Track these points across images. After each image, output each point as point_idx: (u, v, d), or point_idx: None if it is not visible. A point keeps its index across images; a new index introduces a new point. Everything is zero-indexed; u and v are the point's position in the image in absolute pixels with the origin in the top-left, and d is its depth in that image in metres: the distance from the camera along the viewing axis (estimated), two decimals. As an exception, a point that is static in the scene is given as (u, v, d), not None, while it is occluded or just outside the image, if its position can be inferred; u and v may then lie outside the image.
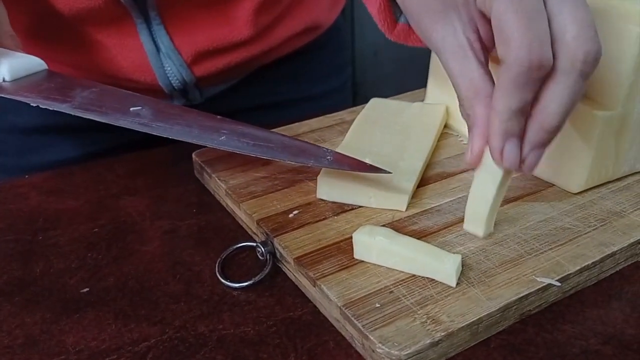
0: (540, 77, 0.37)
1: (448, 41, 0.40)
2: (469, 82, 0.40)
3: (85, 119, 0.67)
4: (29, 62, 0.55)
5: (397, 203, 0.47)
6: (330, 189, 0.49)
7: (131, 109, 0.50)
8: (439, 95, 0.59)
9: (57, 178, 0.58)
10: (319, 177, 0.49)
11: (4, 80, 0.53)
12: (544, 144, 0.39)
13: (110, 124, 0.68)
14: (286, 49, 0.73)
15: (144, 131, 0.48)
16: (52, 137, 0.70)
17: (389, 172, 0.47)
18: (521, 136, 0.39)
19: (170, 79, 0.65)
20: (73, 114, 0.50)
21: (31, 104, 0.50)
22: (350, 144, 0.53)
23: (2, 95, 0.52)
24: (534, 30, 0.35)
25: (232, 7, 0.63)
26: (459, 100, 0.41)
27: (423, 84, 0.62)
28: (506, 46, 0.36)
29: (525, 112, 0.38)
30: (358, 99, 1.04)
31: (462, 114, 0.42)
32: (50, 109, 0.50)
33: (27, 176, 0.58)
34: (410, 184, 0.48)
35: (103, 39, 0.62)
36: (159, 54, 0.63)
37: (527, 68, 0.36)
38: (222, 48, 0.65)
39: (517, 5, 0.35)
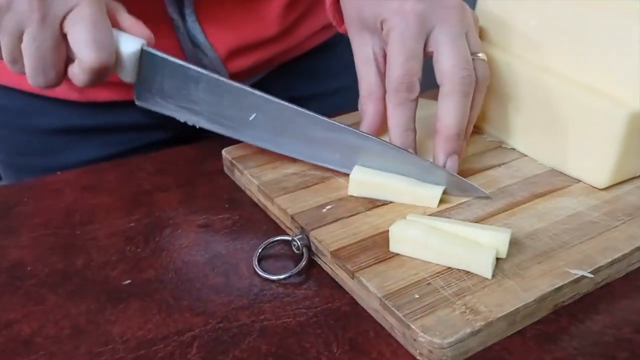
0: (410, 99, 0.49)
1: (360, 50, 0.53)
2: (366, 85, 0.53)
3: (109, 119, 0.69)
4: (132, 46, 0.50)
5: (429, 200, 0.48)
6: (361, 186, 0.50)
7: (250, 118, 0.52)
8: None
9: (89, 174, 0.59)
10: (351, 175, 0.50)
11: (135, 82, 0.52)
12: (453, 151, 0.49)
13: (138, 123, 0.70)
14: (308, 45, 0.74)
15: (273, 150, 0.53)
16: (75, 138, 0.71)
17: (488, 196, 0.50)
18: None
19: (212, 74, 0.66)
20: (209, 129, 0.54)
21: (179, 120, 0.54)
22: None
23: (151, 108, 0.54)
24: (407, 66, 0.48)
25: (263, 5, 0.65)
26: (359, 98, 0.53)
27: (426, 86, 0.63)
28: (388, 75, 0.49)
29: (412, 128, 0.50)
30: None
31: (358, 108, 0.53)
32: (196, 126, 0.54)
33: (58, 172, 0.59)
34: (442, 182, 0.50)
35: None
36: (195, 52, 0.64)
37: (396, 91, 0.48)
38: (253, 44, 0.66)
39: (402, 49, 0.48)
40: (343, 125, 0.51)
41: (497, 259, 0.42)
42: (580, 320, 0.41)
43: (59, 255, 0.48)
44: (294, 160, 0.55)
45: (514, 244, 0.44)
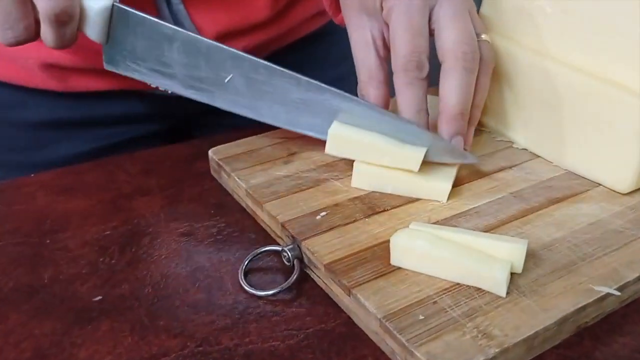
0: (420, 77, 0.46)
1: (357, 34, 0.50)
2: (366, 69, 0.49)
3: (96, 111, 0.65)
4: (105, 7, 0.48)
5: (439, 193, 0.45)
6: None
7: (226, 79, 0.49)
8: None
9: (66, 176, 0.54)
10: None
11: (105, 43, 0.49)
12: (457, 131, 0.46)
13: (125, 115, 0.66)
14: (301, 31, 0.71)
15: (250, 117, 0.50)
16: (61, 131, 0.67)
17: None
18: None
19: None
20: (182, 94, 0.50)
21: (151, 84, 0.50)
22: None
23: (120, 72, 0.50)
24: (415, 42, 0.46)
25: None
26: (358, 83, 0.50)
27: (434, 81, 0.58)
28: (394, 54, 0.46)
29: (424, 109, 0.47)
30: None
31: (358, 94, 0.50)
32: (161, 88, 0.50)
33: (32, 175, 0.55)
34: (452, 171, 0.46)
35: None
36: None
37: (404, 70, 0.46)
38: (242, 29, 0.63)
39: (407, 25, 0.46)
40: (324, 85, 0.48)
41: (512, 274, 0.37)
42: (605, 344, 0.36)
43: (25, 267, 0.43)
44: (286, 161, 0.50)
45: (530, 256, 0.39)
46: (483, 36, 0.48)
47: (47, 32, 0.46)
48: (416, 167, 0.45)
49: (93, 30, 0.48)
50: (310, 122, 0.49)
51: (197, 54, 0.49)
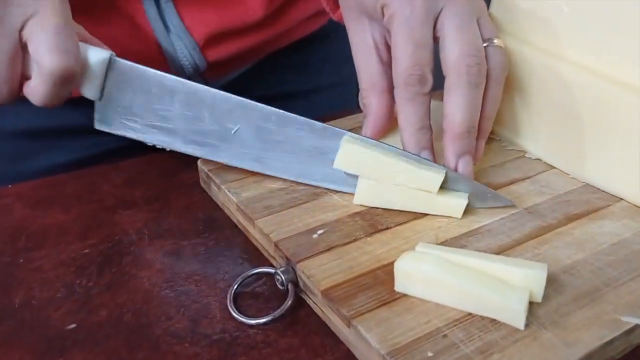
0: (422, 92, 0.43)
1: (358, 37, 0.47)
2: (368, 76, 0.47)
3: (79, 120, 0.62)
4: (100, 62, 0.45)
5: (454, 209, 0.41)
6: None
7: (232, 132, 0.45)
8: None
9: (46, 188, 0.51)
10: (360, 179, 0.43)
11: (98, 100, 0.46)
12: (463, 151, 0.43)
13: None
14: (296, 34, 0.69)
15: (258, 171, 0.46)
16: (44, 140, 0.65)
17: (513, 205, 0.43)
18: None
19: (181, 62, 0.60)
20: (183, 151, 0.47)
21: (147, 143, 0.47)
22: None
23: (113, 132, 0.47)
24: (417, 56, 0.43)
25: None
26: (360, 91, 0.47)
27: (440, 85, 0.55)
28: (395, 67, 0.43)
29: (426, 126, 0.43)
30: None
31: (360, 103, 0.48)
32: (167, 149, 0.47)
33: (10, 186, 0.51)
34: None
35: (108, 17, 0.57)
36: (169, 35, 0.58)
37: (405, 84, 0.43)
38: (235, 30, 0.60)
39: (409, 36, 0.43)
40: (341, 130, 0.44)
41: (530, 303, 0.33)
42: (635, 382, 0.32)
43: (-7, 290, 0.40)
44: (281, 173, 0.47)
45: (550, 281, 0.35)
46: (495, 41, 0.45)
47: (40, 90, 0.43)
48: (435, 189, 0.41)
49: (88, 84, 0.45)
50: (326, 172, 0.44)
51: (201, 106, 0.45)
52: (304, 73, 0.72)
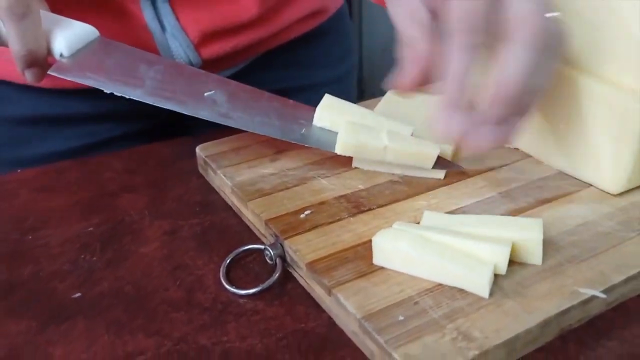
0: (478, 42, 0.38)
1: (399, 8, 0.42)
2: (412, 20, 0.41)
3: (81, 109, 0.64)
4: (83, 31, 0.48)
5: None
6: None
7: (205, 94, 0.47)
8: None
9: (49, 174, 0.54)
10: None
11: (61, 56, 0.47)
12: (499, 118, 0.39)
13: (109, 113, 0.65)
14: (292, 32, 0.70)
15: (226, 124, 0.47)
16: (45, 127, 0.67)
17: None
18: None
19: (176, 60, 0.62)
20: (149, 102, 0.47)
21: (104, 90, 0.47)
22: None
23: (67, 77, 0.47)
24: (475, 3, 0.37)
25: None
26: (400, 40, 0.42)
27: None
28: (450, 13, 0.38)
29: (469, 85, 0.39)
30: (366, 96, 1.01)
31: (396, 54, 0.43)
32: (126, 96, 0.47)
33: (19, 170, 0.54)
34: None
35: (105, 16, 0.59)
36: (164, 34, 0.60)
37: (459, 31, 0.38)
38: (229, 28, 0.62)
39: None
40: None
41: (496, 276, 0.36)
42: (590, 348, 0.35)
43: (4, 264, 0.43)
44: (273, 159, 0.50)
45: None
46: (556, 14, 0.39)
47: (10, 34, 0.45)
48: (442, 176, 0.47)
49: (62, 42, 0.47)
50: (292, 128, 0.48)
51: (178, 75, 0.48)
52: (300, 70, 0.74)
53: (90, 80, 0.47)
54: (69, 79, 0.47)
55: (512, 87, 0.37)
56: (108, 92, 0.47)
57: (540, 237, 0.37)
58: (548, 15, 0.38)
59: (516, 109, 0.39)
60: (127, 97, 0.47)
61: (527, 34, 0.37)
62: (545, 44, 0.38)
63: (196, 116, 0.47)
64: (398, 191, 0.46)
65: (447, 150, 0.47)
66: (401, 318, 0.34)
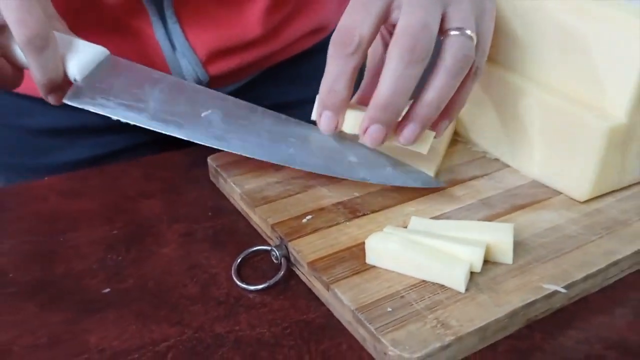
0: (346, 54, 0.45)
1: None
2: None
3: (98, 120, 0.69)
4: (94, 53, 0.50)
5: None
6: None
7: (202, 114, 0.51)
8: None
9: (74, 180, 0.59)
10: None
11: (75, 81, 0.49)
12: (375, 120, 0.45)
13: (126, 124, 0.70)
14: (295, 49, 0.74)
15: (221, 148, 0.50)
16: (64, 139, 0.71)
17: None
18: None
19: (185, 77, 0.66)
20: (152, 128, 0.50)
21: (112, 117, 0.50)
22: None
23: (79, 105, 0.49)
24: (353, 18, 0.44)
25: (245, 5, 0.64)
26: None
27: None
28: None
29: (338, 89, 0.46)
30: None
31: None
32: (130, 123, 0.50)
33: (46, 178, 0.60)
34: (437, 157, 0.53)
35: (119, 37, 0.63)
36: (174, 53, 0.64)
37: (332, 42, 0.46)
38: (235, 47, 0.66)
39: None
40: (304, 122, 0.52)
41: (472, 273, 0.42)
42: (553, 336, 0.41)
43: (39, 263, 0.48)
44: (277, 169, 0.55)
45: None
46: (467, 32, 0.44)
47: (30, 64, 0.46)
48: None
49: (75, 67, 0.49)
50: (285, 151, 0.51)
51: (179, 94, 0.51)
52: (303, 84, 0.75)
53: (99, 107, 0.50)
54: (80, 106, 0.50)
55: (377, 98, 0.44)
56: (115, 119, 0.50)
57: (511, 239, 0.43)
58: (456, 32, 0.43)
59: (388, 114, 0.44)
60: (132, 123, 0.50)
61: (393, 48, 0.42)
62: (415, 58, 0.42)
63: (193, 140, 0.50)
64: (389, 198, 0.51)
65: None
66: (389, 309, 0.39)
